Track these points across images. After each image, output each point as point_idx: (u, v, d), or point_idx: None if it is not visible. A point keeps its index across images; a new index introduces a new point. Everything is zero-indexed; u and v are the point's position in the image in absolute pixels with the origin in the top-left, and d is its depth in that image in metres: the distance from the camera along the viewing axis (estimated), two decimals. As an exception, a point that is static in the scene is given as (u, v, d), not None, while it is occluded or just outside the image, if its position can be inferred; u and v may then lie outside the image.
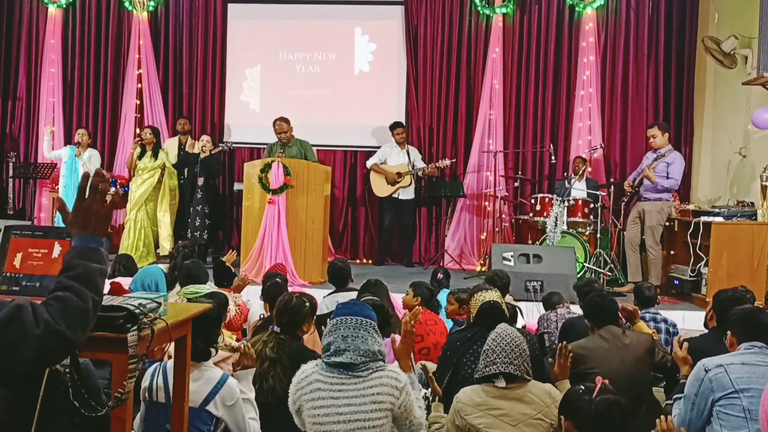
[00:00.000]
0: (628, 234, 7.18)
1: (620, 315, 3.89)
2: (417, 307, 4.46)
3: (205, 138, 7.94)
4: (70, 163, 8.15)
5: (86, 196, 1.76)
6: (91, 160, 8.15)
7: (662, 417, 2.73)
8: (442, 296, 5.14)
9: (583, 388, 2.32)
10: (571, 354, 3.25)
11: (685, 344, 3.34)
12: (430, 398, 3.59)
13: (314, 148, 7.81)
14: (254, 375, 3.07)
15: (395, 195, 8.30)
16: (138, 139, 8.04)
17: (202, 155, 7.74)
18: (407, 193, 8.33)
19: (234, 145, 8.67)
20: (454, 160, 8.55)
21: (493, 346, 2.89)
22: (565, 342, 3.22)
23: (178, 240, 7.65)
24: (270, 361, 3.18)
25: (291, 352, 3.20)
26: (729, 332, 3.08)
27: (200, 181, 7.77)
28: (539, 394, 2.84)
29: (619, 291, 6.94)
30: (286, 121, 7.68)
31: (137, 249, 7.70)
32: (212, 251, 8.42)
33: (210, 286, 4.47)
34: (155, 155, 7.91)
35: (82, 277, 1.64)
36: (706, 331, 4.04)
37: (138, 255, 7.45)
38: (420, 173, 8.28)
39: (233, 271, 5.56)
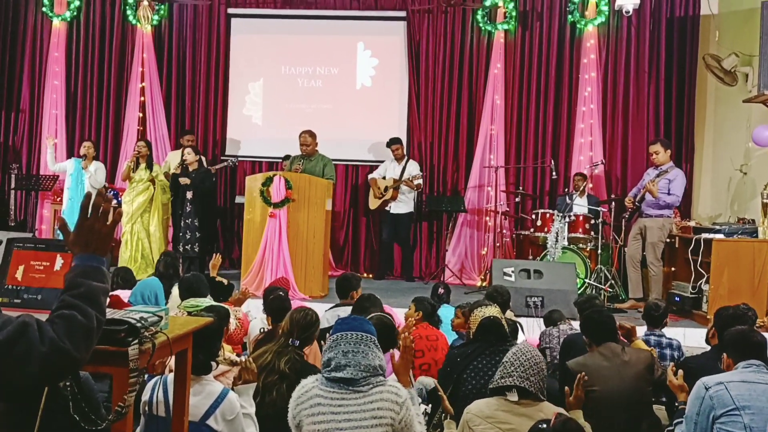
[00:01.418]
0: (629, 250, 7.16)
1: (618, 332, 3.88)
2: (411, 318, 4.47)
3: (187, 150, 7.90)
4: (76, 175, 8.10)
5: (88, 216, 1.76)
6: (97, 172, 8.11)
7: None
8: (443, 311, 5.12)
9: (543, 424, 2.43)
10: (591, 388, 3.23)
11: (680, 372, 3.33)
12: (430, 413, 3.58)
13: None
14: (258, 386, 3.06)
15: (387, 208, 8.33)
16: (136, 152, 8.03)
17: (176, 170, 7.64)
18: (399, 207, 8.34)
19: (238, 160, 8.68)
20: (422, 173, 8.36)
21: (512, 359, 2.91)
22: (583, 373, 3.20)
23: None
24: (280, 375, 3.17)
25: (298, 368, 3.19)
26: (724, 354, 3.09)
27: (189, 194, 7.72)
28: (550, 416, 2.83)
29: (619, 307, 6.93)
30: (312, 135, 7.66)
31: (135, 261, 7.67)
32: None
33: (210, 300, 4.46)
34: (149, 167, 7.91)
35: (85, 296, 1.64)
36: (708, 348, 4.04)
37: (136, 267, 7.43)
38: (396, 187, 8.24)
39: (226, 283, 5.47)
